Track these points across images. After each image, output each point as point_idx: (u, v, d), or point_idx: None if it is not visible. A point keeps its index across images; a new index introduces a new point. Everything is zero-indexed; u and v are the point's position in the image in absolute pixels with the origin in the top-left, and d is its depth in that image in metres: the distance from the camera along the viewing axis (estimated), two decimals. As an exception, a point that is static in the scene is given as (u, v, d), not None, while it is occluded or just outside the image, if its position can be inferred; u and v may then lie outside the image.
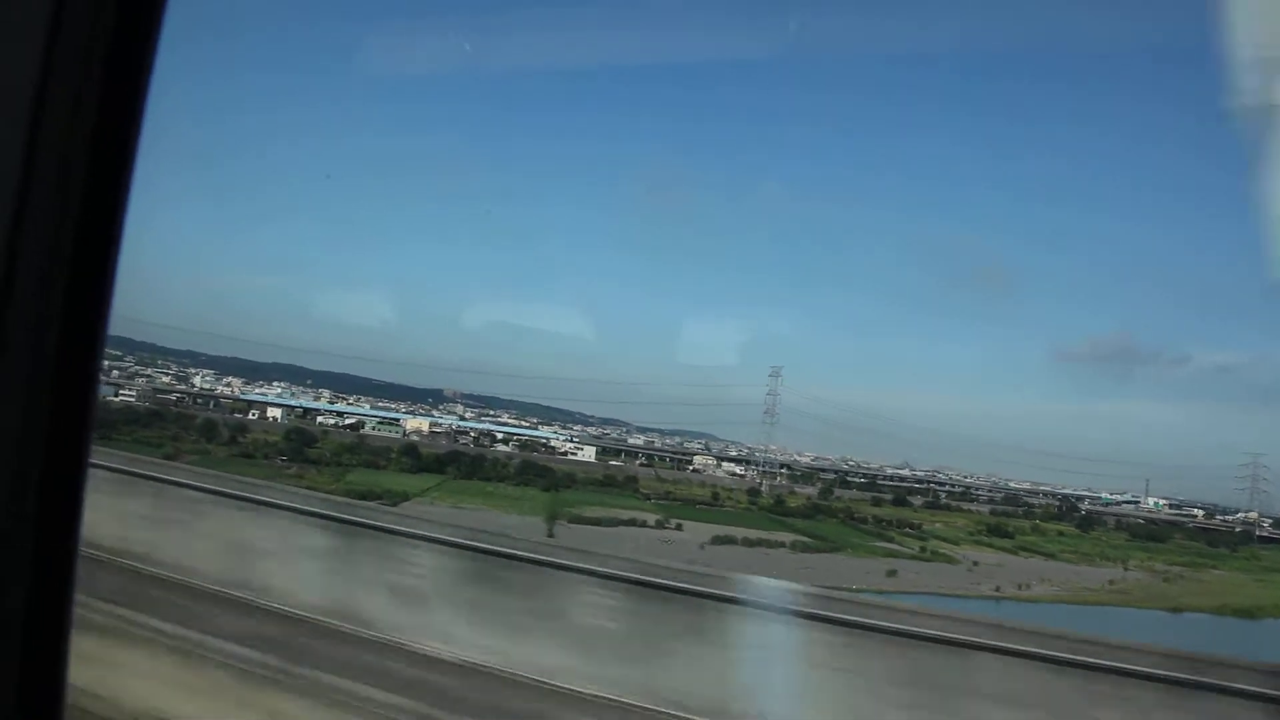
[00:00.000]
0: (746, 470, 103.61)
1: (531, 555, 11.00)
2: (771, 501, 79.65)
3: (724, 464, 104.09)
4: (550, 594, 10.64)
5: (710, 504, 78.74)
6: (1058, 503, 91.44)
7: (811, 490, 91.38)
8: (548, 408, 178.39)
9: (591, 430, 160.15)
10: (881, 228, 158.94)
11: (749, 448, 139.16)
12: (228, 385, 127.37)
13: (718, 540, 61.47)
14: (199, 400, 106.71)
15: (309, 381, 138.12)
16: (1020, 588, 53.12)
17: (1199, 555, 66.90)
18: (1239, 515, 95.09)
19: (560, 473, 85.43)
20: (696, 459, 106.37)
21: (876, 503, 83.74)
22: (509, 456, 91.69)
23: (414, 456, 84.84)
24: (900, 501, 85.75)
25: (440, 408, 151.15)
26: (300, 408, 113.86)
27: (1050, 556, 64.08)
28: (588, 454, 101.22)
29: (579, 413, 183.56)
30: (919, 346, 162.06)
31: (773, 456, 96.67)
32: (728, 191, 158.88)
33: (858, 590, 51.19)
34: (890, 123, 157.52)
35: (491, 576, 11.22)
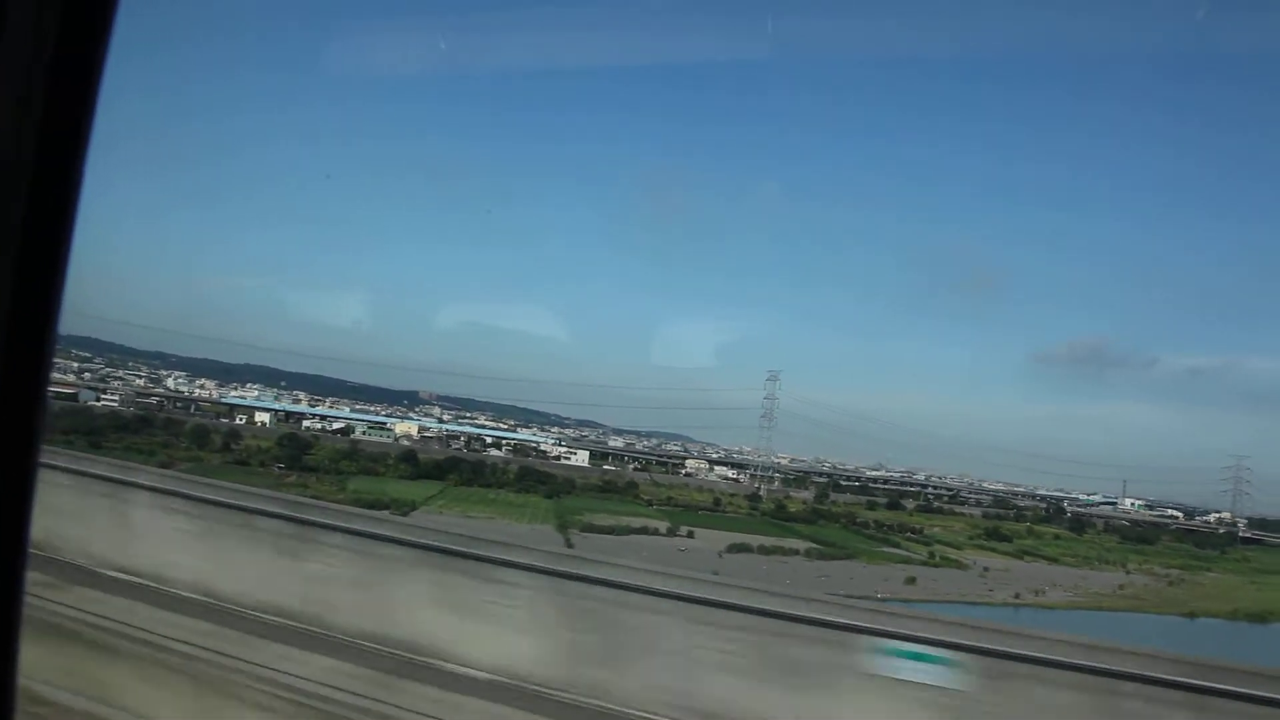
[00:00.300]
0: (739, 474, 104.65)
1: (639, 584, 9.48)
2: (772, 507, 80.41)
3: (716, 468, 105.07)
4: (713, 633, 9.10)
5: (712, 509, 79.16)
6: (1044, 505, 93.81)
7: (806, 494, 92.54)
8: (524, 409, 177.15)
9: (569, 432, 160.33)
10: (866, 230, 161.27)
11: (725, 449, 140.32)
12: (202, 387, 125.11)
13: (733, 548, 61.98)
14: (179, 404, 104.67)
15: (283, 384, 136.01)
16: (1036, 594, 54.38)
17: (1191, 558, 69.03)
18: (1213, 515, 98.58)
19: (560, 479, 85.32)
20: (689, 463, 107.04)
21: (871, 506, 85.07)
22: (505, 462, 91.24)
23: (412, 463, 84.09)
24: (894, 505, 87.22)
25: (417, 409, 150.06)
26: (285, 411, 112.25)
27: (1053, 561, 65.70)
28: (581, 458, 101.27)
29: (554, 414, 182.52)
30: (898, 348, 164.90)
31: (767, 460, 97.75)
32: (711, 194, 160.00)
33: (882, 599, 52.10)
34: (877, 127, 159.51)
35: (611, 620, 9.50)
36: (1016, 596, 53.04)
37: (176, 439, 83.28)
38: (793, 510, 79.33)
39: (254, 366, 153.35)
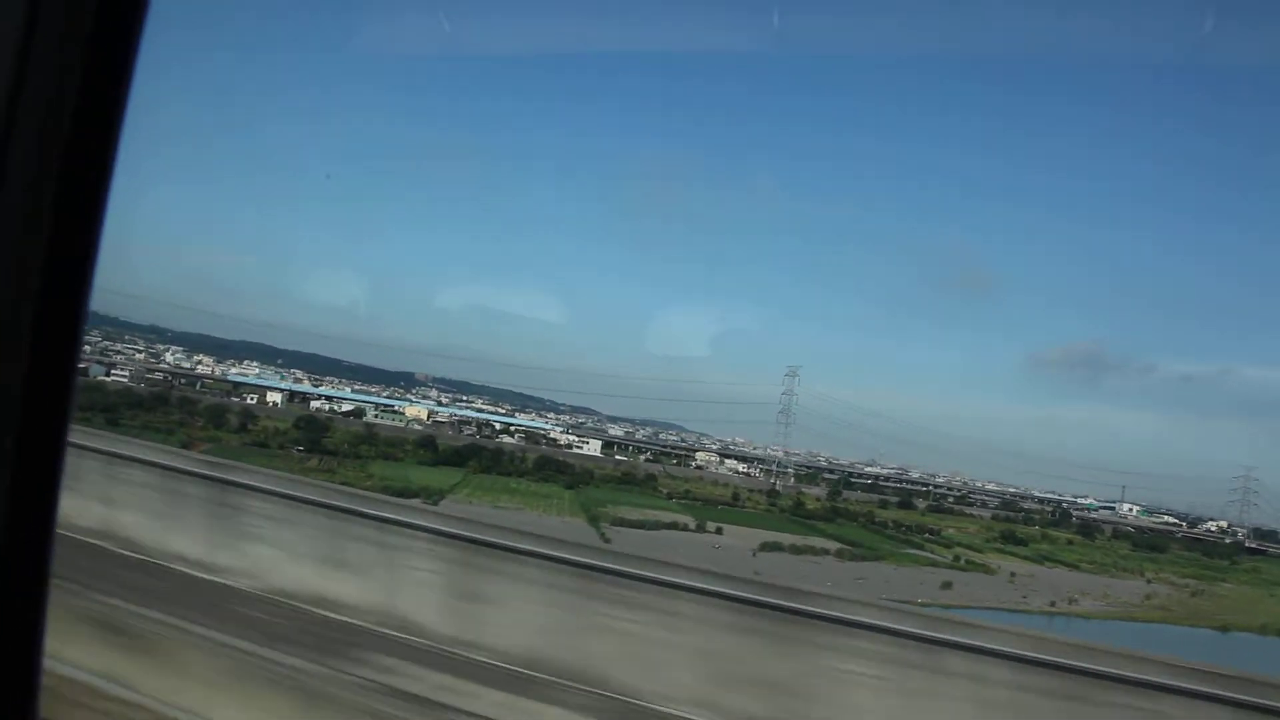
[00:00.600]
0: (749, 468, 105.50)
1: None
2: (791, 504, 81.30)
3: (726, 461, 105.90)
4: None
5: (731, 504, 79.90)
6: (1050, 509, 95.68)
7: (817, 490, 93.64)
8: (520, 394, 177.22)
9: (565, 418, 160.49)
10: (863, 228, 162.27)
11: (720, 440, 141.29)
12: (201, 363, 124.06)
13: (766, 547, 62.65)
14: (183, 380, 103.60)
15: (280, 361, 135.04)
16: (1070, 602, 55.66)
17: (1203, 567, 70.77)
18: (1211, 524, 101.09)
19: (578, 469, 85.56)
20: (699, 455, 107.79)
21: (884, 505, 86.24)
22: (521, 450, 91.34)
23: (431, 449, 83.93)
24: (905, 504, 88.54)
25: (414, 391, 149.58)
26: (290, 391, 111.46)
27: (1074, 567, 67.11)
28: (593, 448, 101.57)
29: (549, 400, 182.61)
30: (892, 346, 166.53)
31: (784, 456, 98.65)
32: (710, 187, 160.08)
33: (923, 604, 53.11)
34: (877, 125, 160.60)
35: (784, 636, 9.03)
36: (1052, 605, 54.22)
37: (192, 418, 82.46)
38: (811, 508, 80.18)
39: (250, 343, 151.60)
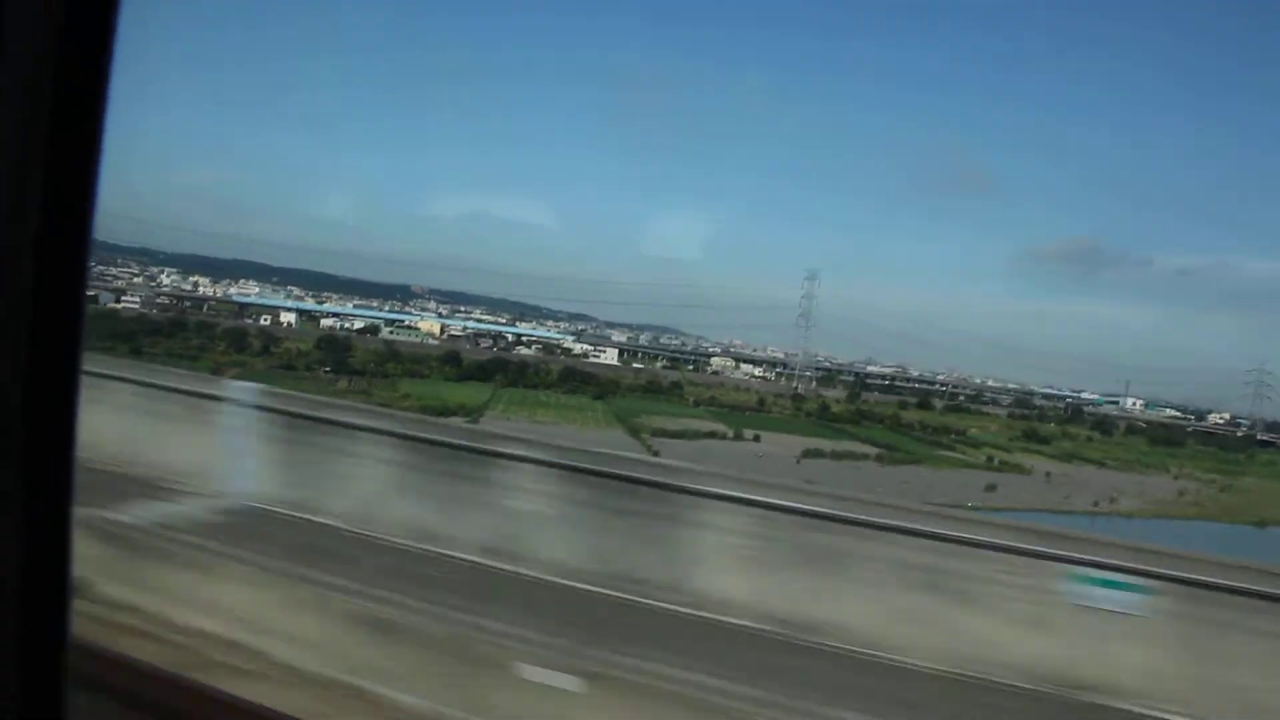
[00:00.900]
0: (766, 372, 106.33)
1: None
2: (816, 408, 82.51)
3: (742, 366, 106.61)
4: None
5: (758, 410, 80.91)
6: (1063, 406, 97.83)
7: (835, 393, 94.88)
8: (516, 303, 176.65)
9: (563, 325, 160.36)
10: (857, 131, 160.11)
11: (721, 344, 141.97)
12: (197, 284, 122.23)
13: (808, 454, 63.78)
14: (189, 304, 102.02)
15: (275, 279, 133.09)
16: (1111, 502, 57.41)
17: (1220, 461, 72.96)
18: (1214, 416, 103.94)
19: (603, 379, 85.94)
20: (714, 360, 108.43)
21: (904, 406, 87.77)
22: (542, 362, 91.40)
23: (455, 364, 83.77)
24: (923, 405, 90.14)
25: (412, 304, 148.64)
26: (296, 310, 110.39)
27: (1101, 465, 68.94)
28: (610, 356, 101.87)
29: (547, 308, 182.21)
30: (889, 245, 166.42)
31: (804, 359, 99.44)
32: (705, 91, 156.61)
33: (973, 508, 54.58)
34: (872, 27, 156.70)
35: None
36: (1095, 505, 55.89)
37: (212, 342, 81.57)
38: (836, 411, 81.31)
39: (243, 262, 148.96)
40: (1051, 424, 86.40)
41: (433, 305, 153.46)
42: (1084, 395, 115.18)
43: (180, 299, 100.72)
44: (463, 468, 9.45)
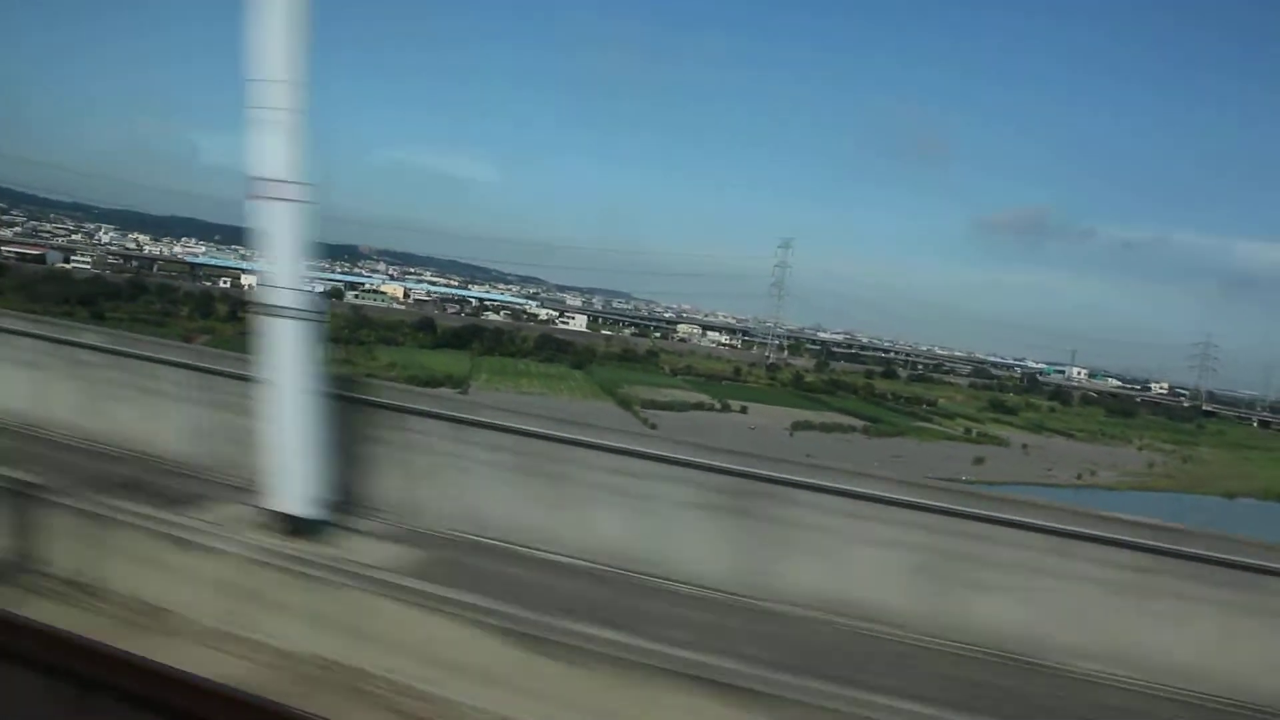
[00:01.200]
0: (732, 339, 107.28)
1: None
2: (790, 377, 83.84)
3: (709, 333, 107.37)
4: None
5: (734, 379, 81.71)
6: (1018, 376, 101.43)
7: (802, 361, 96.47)
8: (467, 265, 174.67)
9: (514, 289, 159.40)
10: (816, 98, 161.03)
11: (671, 308, 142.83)
12: (135, 241, 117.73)
13: (798, 426, 64.96)
14: (136, 264, 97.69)
15: (217, 237, 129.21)
16: (1091, 474, 59.95)
17: (1174, 432, 76.79)
18: (1154, 385, 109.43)
19: (579, 347, 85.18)
20: (680, 328, 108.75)
21: (869, 375, 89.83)
22: (514, 328, 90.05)
23: (429, 331, 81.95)
24: (889, 374, 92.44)
25: (361, 265, 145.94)
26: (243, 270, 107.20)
27: (1069, 436, 71.97)
28: (579, 323, 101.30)
29: (496, 270, 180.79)
30: (847, 211, 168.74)
31: (777, 329, 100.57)
32: (652, 59, 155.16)
33: (968, 481, 56.70)
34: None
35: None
36: (1079, 477, 58.26)
37: (175, 306, 78.24)
38: (810, 381, 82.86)
39: (180, 218, 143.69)
40: (1010, 394, 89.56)
41: (382, 267, 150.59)
42: (1030, 364, 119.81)
43: (129, 258, 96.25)
44: (526, 455, 7.30)
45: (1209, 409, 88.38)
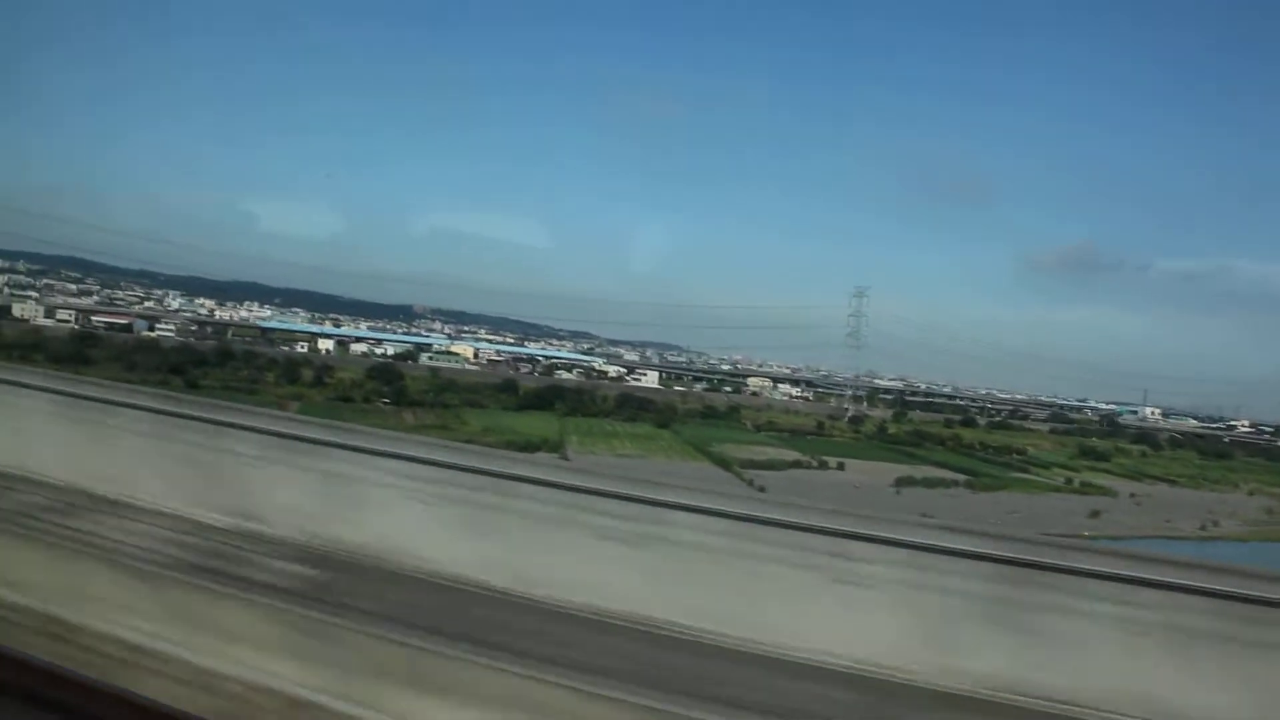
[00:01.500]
0: (802, 391, 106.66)
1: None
2: (874, 429, 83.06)
3: (780, 386, 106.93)
4: None
5: (817, 434, 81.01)
6: (1098, 419, 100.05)
7: (878, 412, 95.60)
8: (519, 322, 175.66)
9: (566, 344, 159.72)
10: (856, 140, 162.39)
11: (720, 359, 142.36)
12: (201, 306, 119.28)
13: (902, 482, 64.18)
14: (211, 330, 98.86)
15: (278, 300, 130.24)
16: (1215, 524, 58.72)
17: (1277, 474, 75.11)
18: (1235, 423, 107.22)
19: (660, 405, 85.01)
20: (751, 381, 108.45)
21: (949, 424, 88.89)
22: (591, 387, 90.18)
23: (512, 393, 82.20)
24: (968, 422, 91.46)
25: (415, 324, 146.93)
26: (329, 335, 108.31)
27: (1172, 482, 70.76)
28: (651, 379, 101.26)
29: (547, 326, 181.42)
30: (889, 255, 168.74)
31: (857, 381, 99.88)
32: (694, 108, 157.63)
33: (1092, 538, 55.44)
34: (863, 40, 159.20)
35: None
36: (1202, 529, 57.11)
37: (261, 373, 78.86)
38: (893, 433, 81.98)
39: (243, 283, 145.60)
40: (1094, 438, 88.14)
41: (437, 325, 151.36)
42: (1096, 405, 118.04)
43: (204, 324, 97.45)
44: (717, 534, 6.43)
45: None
